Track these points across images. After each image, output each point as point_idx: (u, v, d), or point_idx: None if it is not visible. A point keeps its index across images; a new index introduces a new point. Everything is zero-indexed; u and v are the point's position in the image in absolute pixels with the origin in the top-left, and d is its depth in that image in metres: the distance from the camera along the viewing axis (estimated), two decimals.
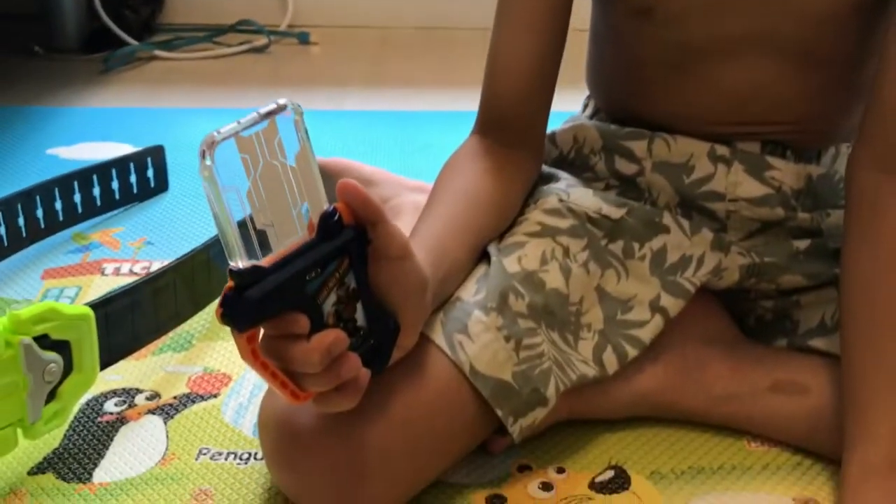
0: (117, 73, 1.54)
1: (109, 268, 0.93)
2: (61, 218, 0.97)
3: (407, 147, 1.25)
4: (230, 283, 0.49)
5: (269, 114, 0.49)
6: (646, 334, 0.69)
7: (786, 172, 0.73)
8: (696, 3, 0.68)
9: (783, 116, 0.72)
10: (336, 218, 0.52)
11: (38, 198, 0.94)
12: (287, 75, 1.57)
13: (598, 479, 0.66)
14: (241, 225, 0.49)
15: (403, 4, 1.79)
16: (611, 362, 0.68)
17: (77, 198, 0.99)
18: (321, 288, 0.52)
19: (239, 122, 0.48)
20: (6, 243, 0.92)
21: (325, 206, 0.52)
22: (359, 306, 0.54)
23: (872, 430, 0.61)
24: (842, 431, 0.63)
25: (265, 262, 0.50)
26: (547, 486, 0.66)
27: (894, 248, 0.63)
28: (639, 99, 0.74)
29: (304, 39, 1.70)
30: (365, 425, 0.58)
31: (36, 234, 0.95)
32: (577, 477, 0.67)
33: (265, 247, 0.50)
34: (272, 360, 0.51)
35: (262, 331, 0.51)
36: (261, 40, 1.67)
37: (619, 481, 0.66)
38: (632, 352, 0.68)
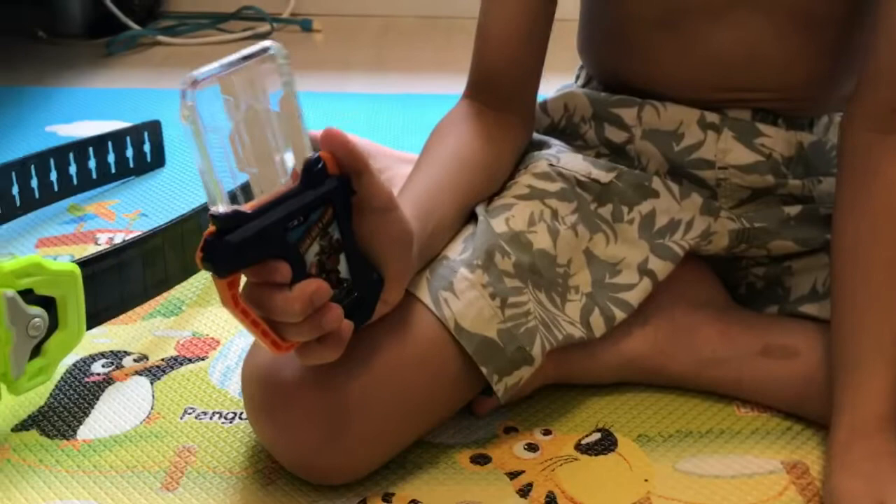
0: (120, 57, 1.54)
1: (103, 237, 0.93)
2: (56, 189, 0.97)
3: (408, 127, 1.25)
4: (211, 228, 0.49)
5: (252, 56, 0.49)
6: (634, 297, 0.69)
7: (777, 140, 0.72)
8: None
9: (775, 83, 0.71)
10: (320, 166, 0.51)
11: (32, 167, 0.94)
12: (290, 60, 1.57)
13: (584, 441, 0.66)
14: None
15: None
16: (598, 325, 0.67)
17: (72, 170, 0.99)
18: (304, 237, 0.52)
19: (221, 63, 0.48)
20: None
21: (309, 154, 0.51)
22: (342, 258, 0.54)
23: (859, 392, 0.60)
24: (831, 395, 0.62)
25: (247, 207, 0.49)
26: (532, 447, 0.65)
27: (885, 207, 0.63)
28: (628, 61, 0.74)
29: (306, 27, 1.71)
30: (347, 379, 0.58)
31: (30, 204, 0.95)
32: (564, 438, 0.66)
33: (247, 193, 0.50)
34: (254, 308, 0.51)
35: (243, 278, 0.51)
36: (264, 27, 1.68)
37: (606, 443, 0.66)
38: (619, 315, 0.68)
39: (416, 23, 1.76)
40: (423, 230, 0.59)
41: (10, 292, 0.62)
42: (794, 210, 0.72)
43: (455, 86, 1.39)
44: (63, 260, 0.90)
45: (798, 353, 0.67)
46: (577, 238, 0.69)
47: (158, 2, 1.74)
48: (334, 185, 0.52)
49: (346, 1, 1.79)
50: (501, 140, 0.70)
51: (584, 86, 0.80)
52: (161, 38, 1.61)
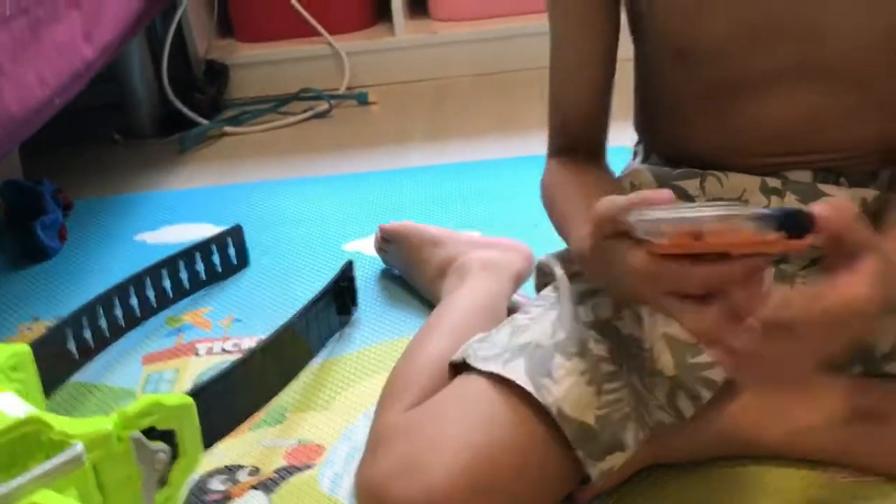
0: (192, 153, 1.61)
1: (202, 348, 0.99)
2: (154, 304, 1.04)
3: (471, 197, 1.28)
4: None
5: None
6: (718, 374, 0.70)
7: (840, 198, 0.73)
8: (733, 40, 0.69)
9: (836, 143, 0.72)
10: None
11: (131, 288, 1.01)
12: (349, 138, 1.61)
13: None
14: None
15: (456, 54, 1.80)
16: (685, 406, 0.69)
17: (167, 284, 1.05)
18: None
19: None
20: (108, 334, 0.98)
21: None
22: None
23: None
24: None
25: None
26: None
27: None
28: (685, 136, 0.76)
29: (362, 100, 1.75)
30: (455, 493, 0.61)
31: (133, 321, 1.01)
32: None
33: None
34: None
35: None
36: (323, 105, 1.73)
37: None
38: (706, 394, 0.70)
39: (470, 82, 1.79)
40: None
41: (136, 433, 0.67)
42: None
43: (516, 145, 1.42)
44: (169, 375, 0.96)
45: (888, 416, 0.68)
46: (656, 324, 0.71)
47: (220, 91, 1.81)
48: None
49: (398, 69, 1.83)
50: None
51: (643, 162, 0.82)
52: (227, 128, 1.68)
